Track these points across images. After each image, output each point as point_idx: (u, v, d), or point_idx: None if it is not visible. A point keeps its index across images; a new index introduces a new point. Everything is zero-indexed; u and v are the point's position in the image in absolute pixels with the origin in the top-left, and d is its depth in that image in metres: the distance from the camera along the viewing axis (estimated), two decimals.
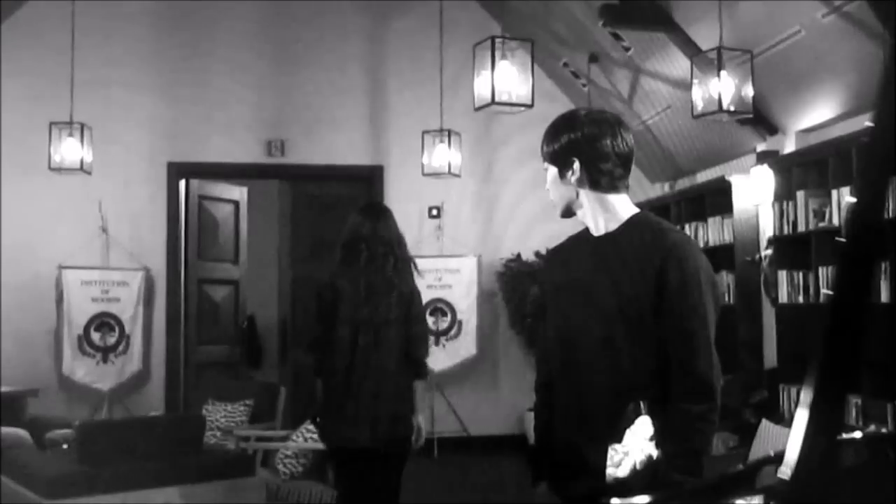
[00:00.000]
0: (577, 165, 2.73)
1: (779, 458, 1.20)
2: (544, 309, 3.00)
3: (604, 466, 2.54)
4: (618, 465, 2.52)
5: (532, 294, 9.15)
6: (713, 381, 2.58)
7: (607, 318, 2.64)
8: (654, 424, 2.52)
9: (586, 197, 2.76)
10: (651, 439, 2.51)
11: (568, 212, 2.82)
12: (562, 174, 2.76)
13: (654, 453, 2.49)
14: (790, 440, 1.18)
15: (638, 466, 2.49)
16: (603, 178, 2.74)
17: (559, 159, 2.76)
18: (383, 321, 4.65)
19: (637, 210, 2.79)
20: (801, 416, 1.18)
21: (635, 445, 2.51)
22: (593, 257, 2.75)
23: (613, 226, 2.74)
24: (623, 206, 2.77)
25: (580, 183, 2.74)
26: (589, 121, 2.77)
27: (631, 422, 2.53)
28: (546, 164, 2.82)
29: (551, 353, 2.87)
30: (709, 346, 2.59)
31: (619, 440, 2.53)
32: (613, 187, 2.75)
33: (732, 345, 8.13)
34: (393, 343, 4.67)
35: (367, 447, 4.56)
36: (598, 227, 2.77)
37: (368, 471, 4.60)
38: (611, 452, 2.54)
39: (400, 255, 4.83)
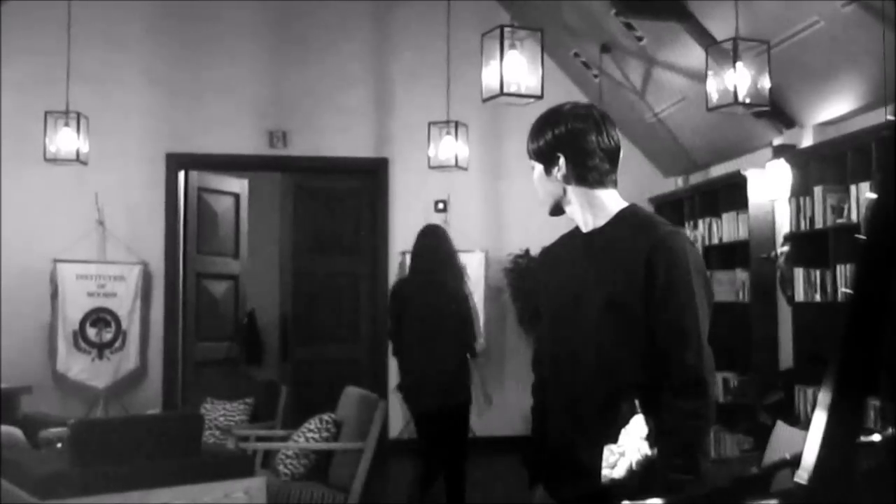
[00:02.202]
0: (562, 161, 2.76)
1: (795, 462, 1.20)
2: (539, 310, 3.02)
3: (599, 467, 2.55)
4: (613, 465, 2.52)
5: None
6: (705, 376, 2.59)
7: (599, 316, 2.66)
8: (649, 423, 2.53)
9: (574, 193, 2.79)
10: (646, 438, 2.51)
11: (556, 209, 2.85)
12: (548, 171, 2.80)
13: (650, 453, 2.49)
14: (808, 443, 1.18)
15: (634, 467, 2.50)
16: (589, 173, 2.76)
17: (544, 155, 2.80)
18: (439, 315, 6.32)
19: (626, 204, 2.81)
20: (820, 419, 1.17)
21: (631, 445, 2.52)
22: (583, 254, 2.78)
23: (602, 221, 2.77)
24: (612, 201, 2.79)
25: (566, 179, 2.78)
26: (573, 116, 2.79)
27: (626, 421, 2.54)
28: (532, 162, 2.86)
29: (545, 354, 2.89)
30: (699, 341, 2.61)
31: (614, 440, 2.54)
32: (600, 183, 2.78)
33: (747, 344, 8.13)
34: (448, 331, 6.33)
35: (437, 408, 6.32)
36: (587, 224, 2.80)
37: (440, 424, 6.36)
38: (606, 453, 2.54)
39: (449, 265, 6.53)
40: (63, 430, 6.31)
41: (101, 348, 9.27)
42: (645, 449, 2.50)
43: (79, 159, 8.07)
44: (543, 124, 2.82)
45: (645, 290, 2.59)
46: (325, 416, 6.49)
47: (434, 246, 6.52)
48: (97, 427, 6.31)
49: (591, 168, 2.75)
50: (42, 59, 9.14)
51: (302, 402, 8.77)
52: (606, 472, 2.53)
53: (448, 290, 6.43)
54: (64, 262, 9.24)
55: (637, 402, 2.55)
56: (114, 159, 9.43)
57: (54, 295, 9.22)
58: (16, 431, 6.88)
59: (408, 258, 9.74)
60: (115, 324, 9.33)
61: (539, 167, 2.83)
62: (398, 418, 9.58)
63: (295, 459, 6.33)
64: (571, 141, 2.75)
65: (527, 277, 9.72)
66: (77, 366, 9.21)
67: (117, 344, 9.33)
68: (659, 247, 2.62)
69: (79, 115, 8.02)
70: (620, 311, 2.62)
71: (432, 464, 6.50)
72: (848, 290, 6.48)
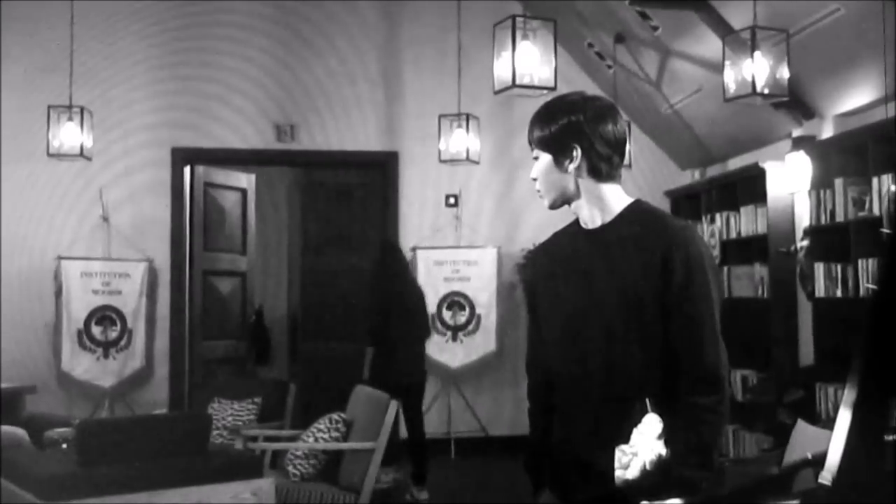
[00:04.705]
0: (577, 152, 2.70)
1: (817, 462, 1.20)
2: (534, 311, 2.96)
3: (611, 468, 2.53)
4: (626, 466, 2.51)
5: None
6: (721, 372, 2.59)
7: (611, 314, 2.64)
8: (662, 422, 2.51)
9: (584, 187, 2.74)
10: (660, 437, 2.50)
11: (559, 203, 2.80)
12: (558, 161, 2.73)
13: (664, 452, 2.48)
14: (832, 443, 1.17)
15: (648, 467, 2.48)
16: (604, 165, 2.72)
17: (556, 145, 2.73)
18: (406, 311, 8.06)
19: (631, 199, 2.78)
20: (844, 417, 1.16)
21: (644, 445, 2.50)
22: (591, 251, 2.74)
23: (609, 217, 2.74)
24: (618, 196, 2.76)
25: (578, 171, 2.73)
26: (589, 104, 2.74)
27: (637, 421, 2.53)
28: (537, 151, 2.79)
29: (550, 356, 2.84)
30: (716, 336, 2.60)
31: (626, 441, 2.53)
32: (610, 176, 2.74)
33: (766, 341, 8.11)
34: (412, 324, 8.12)
35: (399, 384, 7.58)
36: (594, 220, 2.75)
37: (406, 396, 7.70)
38: (618, 454, 2.52)
39: (409, 270, 8.77)
40: (68, 431, 6.33)
41: (107, 347, 9.29)
42: (658, 449, 2.49)
43: (83, 154, 8.07)
44: (556, 111, 2.75)
45: (660, 287, 2.58)
46: (335, 416, 6.50)
47: (401, 258, 8.46)
48: (103, 427, 6.32)
49: (605, 160, 2.71)
50: (45, 52, 9.15)
51: (311, 401, 8.78)
52: (619, 473, 2.52)
53: (415, 291, 8.33)
54: (68, 259, 9.25)
55: (648, 400, 2.54)
56: (118, 154, 9.44)
57: (58, 293, 9.23)
58: (20, 432, 6.90)
59: (419, 253, 9.80)
60: (121, 322, 9.34)
61: (546, 157, 2.76)
62: None
63: (304, 460, 6.34)
64: (590, 130, 2.69)
65: None
66: (82, 365, 9.22)
67: (123, 342, 9.34)
68: (675, 244, 2.60)
69: (82, 109, 8.02)
70: (635, 309, 2.61)
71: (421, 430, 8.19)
72: (871, 286, 6.46)
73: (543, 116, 2.77)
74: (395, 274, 8.14)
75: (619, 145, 2.74)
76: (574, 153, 2.70)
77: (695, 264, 2.59)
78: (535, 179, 2.83)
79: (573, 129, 2.70)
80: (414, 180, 10.05)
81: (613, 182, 2.75)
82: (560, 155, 2.73)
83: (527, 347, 3.04)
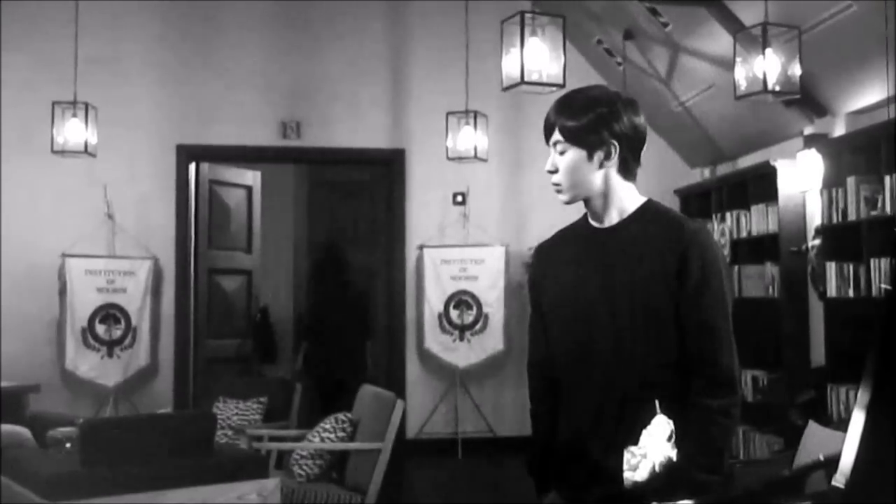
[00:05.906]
0: (615, 147, 2.64)
1: (829, 463, 1.19)
2: (538, 310, 2.91)
3: (621, 470, 2.52)
4: (635, 468, 2.49)
5: None
6: (735, 374, 2.59)
7: (623, 315, 2.61)
8: (673, 423, 2.50)
9: (611, 183, 2.68)
10: (669, 439, 2.48)
11: (578, 199, 2.72)
12: (591, 156, 2.65)
13: (674, 454, 2.47)
14: (846, 444, 1.16)
15: (657, 468, 2.47)
16: (632, 162, 2.69)
17: (593, 137, 2.64)
18: (345, 308, 9.44)
19: (645, 199, 2.73)
20: (858, 419, 1.16)
21: (653, 447, 2.49)
22: (603, 250, 2.70)
23: (623, 216, 2.70)
24: (633, 195, 2.72)
25: (609, 167, 2.67)
26: (619, 96, 2.70)
27: (647, 422, 2.52)
28: (564, 144, 2.69)
29: (556, 355, 2.81)
30: (730, 338, 2.59)
31: (634, 442, 2.52)
32: (634, 174, 2.71)
33: (777, 341, 8.09)
34: (354, 326, 9.45)
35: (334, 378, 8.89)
36: (610, 219, 2.71)
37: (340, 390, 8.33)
38: (627, 455, 2.51)
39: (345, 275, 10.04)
40: (72, 430, 6.33)
41: (111, 346, 9.29)
42: (668, 450, 2.48)
43: (87, 151, 8.09)
44: (589, 102, 2.66)
45: (676, 288, 2.56)
46: (341, 416, 6.50)
47: (342, 261, 9.20)
48: (107, 427, 6.33)
49: (634, 156, 2.68)
50: (49, 47, 9.15)
51: (317, 400, 8.78)
52: (628, 475, 2.51)
53: (353, 292, 9.45)
54: (72, 256, 9.26)
55: (658, 402, 2.52)
56: (123, 151, 9.44)
57: (62, 291, 9.24)
58: (23, 431, 6.90)
59: (426, 252, 9.80)
60: (125, 320, 9.34)
61: (576, 151, 2.66)
62: (415, 417, 9.59)
63: (310, 460, 6.34)
64: (627, 123, 2.64)
65: None
66: (86, 364, 9.23)
67: (127, 341, 9.34)
68: (691, 246, 2.57)
69: (87, 105, 8.03)
70: (647, 310, 2.59)
71: None
72: (884, 285, 6.44)
73: (575, 107, 2.67)
74: (336, 273, 8.60)
75: (644, 141, 2.71)
76: (612, 148, 2.64)
77: (710, 267, 2.58)
78: (551, 172, 2.73)
79: (611, 121, 2.63)
80: (421, 178, 10.04)
81: (634, 180, 2.72)
82: (596, 149, 2.64)
83: (529, 347, 3.00)
